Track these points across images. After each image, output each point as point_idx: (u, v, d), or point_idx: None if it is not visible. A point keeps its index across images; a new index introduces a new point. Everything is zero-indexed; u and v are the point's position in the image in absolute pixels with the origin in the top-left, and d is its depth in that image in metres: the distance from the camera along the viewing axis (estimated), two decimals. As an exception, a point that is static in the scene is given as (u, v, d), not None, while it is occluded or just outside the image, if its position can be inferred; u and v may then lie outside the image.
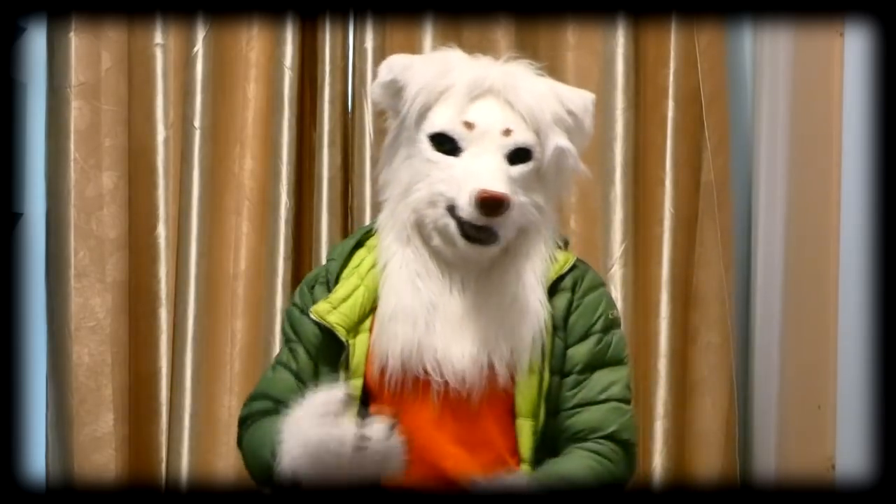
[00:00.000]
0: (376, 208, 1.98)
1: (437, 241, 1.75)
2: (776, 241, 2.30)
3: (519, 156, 1.76)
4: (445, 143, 1.75)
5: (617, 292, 2.38)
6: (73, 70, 2.42)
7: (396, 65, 1.81)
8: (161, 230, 2.49)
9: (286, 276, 2.42)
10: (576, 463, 1.74)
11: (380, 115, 2.14)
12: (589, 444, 1.77)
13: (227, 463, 2.40)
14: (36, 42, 2.51)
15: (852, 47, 1.87)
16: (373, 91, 1.84)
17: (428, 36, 2.40)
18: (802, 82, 2.17)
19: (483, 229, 1.71)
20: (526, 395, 1.76)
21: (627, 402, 1.82)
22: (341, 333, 1.78)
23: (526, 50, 2.34)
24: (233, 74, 2.46)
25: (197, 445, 2.40)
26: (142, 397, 2.48)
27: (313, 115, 2.47)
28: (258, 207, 2.45)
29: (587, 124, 1.83)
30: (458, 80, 1.78)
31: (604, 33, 2.43)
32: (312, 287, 1.87)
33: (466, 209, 1.69)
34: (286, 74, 2.41)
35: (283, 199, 2.42)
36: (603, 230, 2.43)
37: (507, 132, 1.75)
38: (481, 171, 1.71)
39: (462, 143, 1.75)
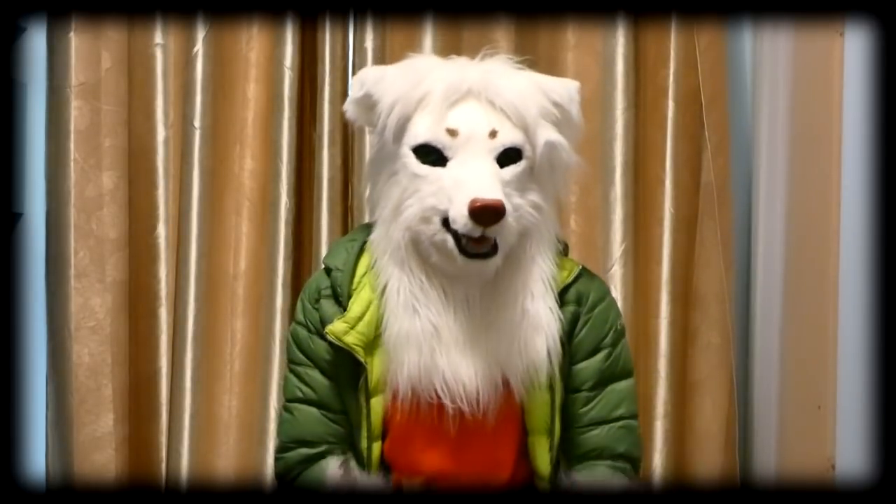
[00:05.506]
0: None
1: (435, 257, 1.69)
2: (776, 241, 2.30)
3: (509, 156, 1.69)
4: (430, 154, 1.68)
5: (617, 292, 2.38)
6: (73, 70, 2.42)
7: (368, 78, 1.73)
8: (161, 230, 2.49)
9: (286, 276, 2.41)
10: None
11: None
12: (607, 462, 1.78)
13: (227, 463, 2.40)
14: (36, 42, 2.51)
15: (852, 47, 1.87)
16: (346, 108, 1.77)
17: (428, 36, 2.40)
18: (802, 82, 2.16)
19: (482, 241, 1.63)
20: (539, 412, 1.74)
21: (636, 416, 1.83)
22: (360, 355, 1.72)
23: (526, 50, 2.35)
24: (233, 74, 2.46)
25: (197, 445, 2.39)
26: (142, 397, 2.48)
27: (313, 115, 2.47)
28: (258, 207, 2.45)
29: (574, 113, 1.76)
30: (433, 87, 1.69)
31: (604, 33, 2.42)
32: (317, 300, 1.80)
33: (461, 221, 1.61)
34: (286, 74, 2.41)
35: (283, 199, 2.42)
36: (603, 230, 2.43)
37: (493, 134, 1.68)
38: (471, 178, 1.63)
39: (448, 152, 1.67)
